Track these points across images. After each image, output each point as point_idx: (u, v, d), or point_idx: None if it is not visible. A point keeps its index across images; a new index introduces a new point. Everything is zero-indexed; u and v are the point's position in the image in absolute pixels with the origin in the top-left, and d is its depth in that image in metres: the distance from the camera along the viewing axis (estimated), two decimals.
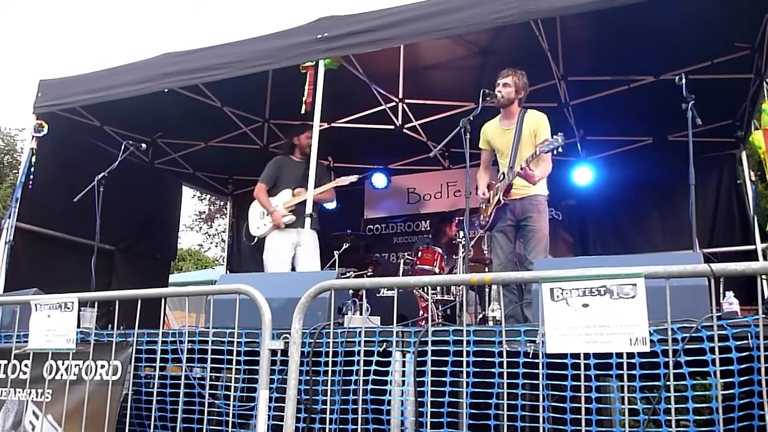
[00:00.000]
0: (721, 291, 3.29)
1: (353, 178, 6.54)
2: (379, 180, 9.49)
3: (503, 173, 5.24)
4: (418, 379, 3.46)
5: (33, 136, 6.74)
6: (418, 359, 3.49)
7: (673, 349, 2.91)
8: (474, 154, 5.22)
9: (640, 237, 8.13)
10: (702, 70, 6.23)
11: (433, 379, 3.39)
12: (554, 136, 4.77)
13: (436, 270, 6.83)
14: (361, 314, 4.16)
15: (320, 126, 5.60)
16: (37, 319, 4.18)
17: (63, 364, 4.17)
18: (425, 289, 5.98)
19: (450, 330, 3.50)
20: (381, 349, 3.61)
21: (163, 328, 4.31)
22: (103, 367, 4.05)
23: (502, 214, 5.22)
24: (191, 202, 26.13)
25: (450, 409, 3.29)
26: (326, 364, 3.63)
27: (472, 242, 6.38)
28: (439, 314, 6.19)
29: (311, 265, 6.19)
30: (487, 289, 6.09)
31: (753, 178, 7.18)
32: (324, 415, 3.57)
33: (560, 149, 4.73)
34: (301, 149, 6.59)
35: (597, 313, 2.79)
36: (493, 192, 5.29)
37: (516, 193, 5.15)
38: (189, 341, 4.11)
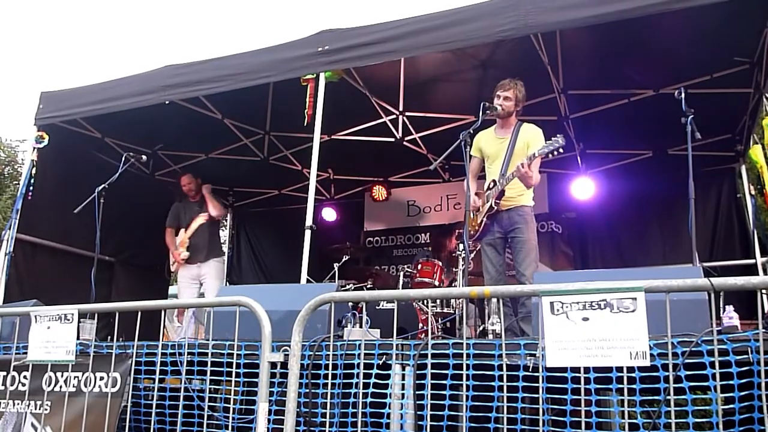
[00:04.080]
0: (721, 305, 3.29)
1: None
2: (379, 192, 9.50)
3: (494, 180, 5.23)
4: (417, 392, 3.45)
5: (34, 148, 6.75)
6: (418, 372, 3.49)
7: (674, 363, 2.91)
8: None
9: (640, 250, 8.12)
10: (701, 85, 6.24)
11: (432, 392, 3.38)
12: (554, 138, 4.75)
13: (436, 283, 6.81)
14: (360, 327, 4.14)
15: (321, 138, 5.61)
16: (36, 330, 4.17)
17: (62, 375, 4.16)
18: (425, 301, 5.96)
19: (450, 343, 3.50)
20: (380, 362, 3.60)
21: (162, 340, 4.31)
22: (102, 379, 4.04)
23: (491, 226, 5.22)
24: None
25: (450, 423, 3.29)
26: (326, 376, 3.63)
27: (472, 255, 6.36)
28: (439, 327, 6.18)
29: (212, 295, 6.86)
30: (486, 303, 6.08)
31: (752, 192, 7.17)
32: (323, 428, 3.56)
33: (561, 150, 4.70)
34: (190, 194, 7.35)
35: (597, 326, 2.78)
36: (483, 199, 5.28)
37: (504, 204, 5.15)
38: (188, 353, 4.10)
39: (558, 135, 4.71)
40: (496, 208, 5.12)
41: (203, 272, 7.10)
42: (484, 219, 5.21)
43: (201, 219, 7.06)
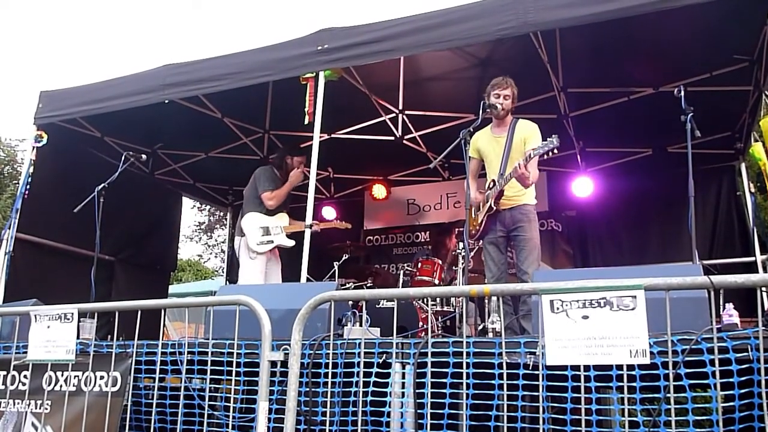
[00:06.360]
0: (721, 303, 3.29)
1: (348, 225, 6.82)
2: (378, 191, 9.50)
3: (493, 180, 5.22)
4: (417, 391, 3.45)
5: (33, 147, 6.74)
6: (418, 371, 3.48)
7: (673, 361, 2.91)
8: None
9: (639, 248, 8.12)
10: (701, 82, 6.24)
11: (432, 390, 3.38)
12: (549, 138, 4.67)
13: (436, 281, 6.81)
14: (360, 325, 4.15)
15: (320, 137, 5.61)
16: (36, 329, 4.16)
17: (62, 375, 4.16)
18: (425, 300, 5.97)
19: (450, 341, 3.50)
20: (381, 361, 3.61)
21: (162, 339, 4.31)
22: (102, 378, 4.04)
23: (492, 225, 5.20)
24: (191, 213, 26.07)
25: (450, 421, 3.29)
26: (326, 375, 3.62)
27: (472, 253, 6.36)
28: (439, 326, 6.18)
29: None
30: (486, 301, 6.08)
31: (752, 190, 7.18)
32: (323, 427, 3.56)
33: (556, 151, 4.62)
34: (287, 170, 6.59)
35: (597, 325, 2.78)
36: (484, 199, 5.27)
37: (505, 203, 5.13)
38: (188, 352, 4.10)
39: (553, 135, 4.66)
40: (495, 208, 5.11)
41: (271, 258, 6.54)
42: (484, 219, 5.21)
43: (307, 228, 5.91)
